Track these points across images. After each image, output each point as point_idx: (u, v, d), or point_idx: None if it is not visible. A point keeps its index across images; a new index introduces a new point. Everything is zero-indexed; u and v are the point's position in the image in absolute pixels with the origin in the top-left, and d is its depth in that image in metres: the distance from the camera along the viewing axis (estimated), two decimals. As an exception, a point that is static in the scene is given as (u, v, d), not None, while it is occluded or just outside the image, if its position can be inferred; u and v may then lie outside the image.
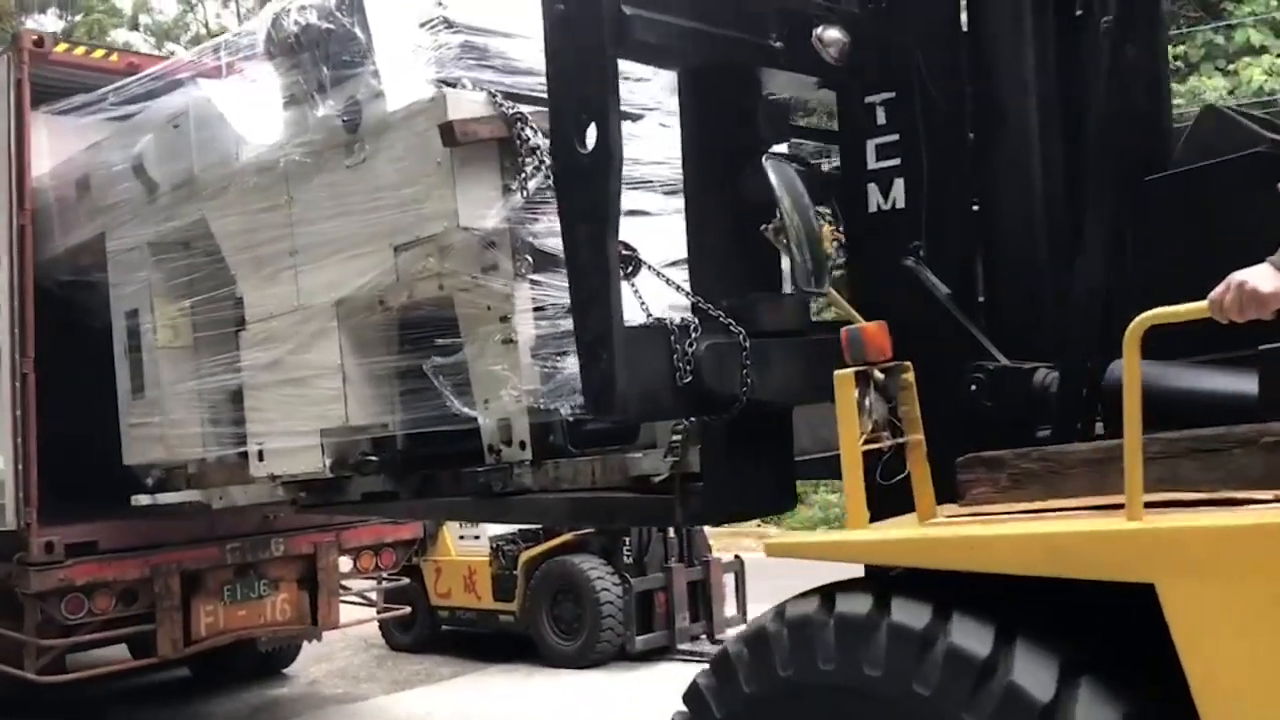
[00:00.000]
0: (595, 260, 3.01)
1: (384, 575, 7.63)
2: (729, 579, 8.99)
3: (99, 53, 6.90)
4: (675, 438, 3.59)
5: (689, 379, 3.14)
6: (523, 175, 4.08)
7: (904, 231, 3.27)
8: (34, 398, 6.09)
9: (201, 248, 5.57)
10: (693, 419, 3.49)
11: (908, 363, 2.75)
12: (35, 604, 6.29)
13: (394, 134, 4.33)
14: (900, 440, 2.68)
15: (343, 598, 7.39)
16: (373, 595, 7.85)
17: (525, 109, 4.14)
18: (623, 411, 3.00)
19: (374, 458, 4.69)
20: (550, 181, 3.90)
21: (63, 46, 6.64)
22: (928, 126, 3.22)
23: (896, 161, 3.31)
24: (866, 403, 2.60)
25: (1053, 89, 3.27)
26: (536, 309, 4.20)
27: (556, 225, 4.25)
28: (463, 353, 4.37)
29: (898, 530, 2.54)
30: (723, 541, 9.71)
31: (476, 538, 9.37)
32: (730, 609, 8.97)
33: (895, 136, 3.30)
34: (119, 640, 7.06)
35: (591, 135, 2.99)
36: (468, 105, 4.14)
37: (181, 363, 5.80)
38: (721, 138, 3.41)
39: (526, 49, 4.51)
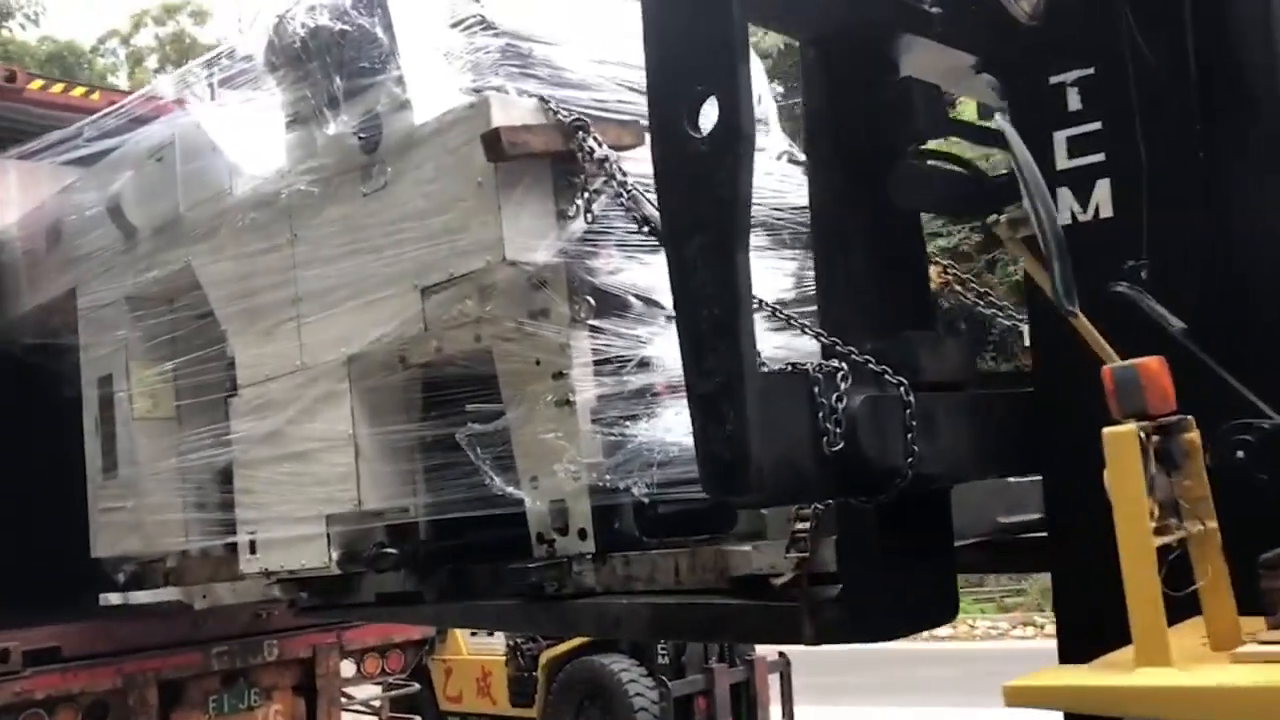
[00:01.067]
0: (717, 280, 2.18)
1: (391, 680, 6.69)
2: (774, 679, 8.08)
3: (79, 90, 6.17)
4: (800, 526, 2.73)
5: (839, 445, 2.29)
6: (585, 196, 3.28)
7: (1114, 247, 2.46)
8: None
9: (187, 301, 4.77)
10: (827, 503, 2.64)
11: (1190, 418, 1.92)
12: None
13: (422, 151, 3.55)
14: (1193, 529, 1.84)
15: (345, 707, 6.53)
16: (378, 703, 6.91)
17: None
18: (758, 490, 2.15)
19: (392, 550, 3.82)
20: (624, 202, 3.12)
21: (37, 84, 5.97)
22: (1146, 111, 2.43)
23: (1099, 158, 2.51)
24: (1149, 474, 1.76)
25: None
26: (598, 363, 3.40)
27: (619, 260, 3.53)
28: (504, 419, 3.53)
29: (1213, 675, 1.68)
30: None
31: (491, 634, 8.43)
32: (775, 713, 8.05)
33: (1096, 125, 2.51)
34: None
35: (709, 115, 2.21)
36: (515, 112, 3.36)
37: (161, 437, 4.96)
38: (859, 129, 2.62)
39: (576, 58, 3.77)
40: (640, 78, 3.89)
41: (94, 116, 5.23)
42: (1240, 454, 2.19)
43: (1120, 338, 2.45)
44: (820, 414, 2.30)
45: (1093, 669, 1.78)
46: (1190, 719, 1.64)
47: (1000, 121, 2.18)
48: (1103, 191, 2.51)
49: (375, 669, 6.55)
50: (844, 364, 2.38)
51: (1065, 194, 2.56)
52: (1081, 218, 2.53)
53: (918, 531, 2.63)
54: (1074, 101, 2.55)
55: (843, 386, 2.34)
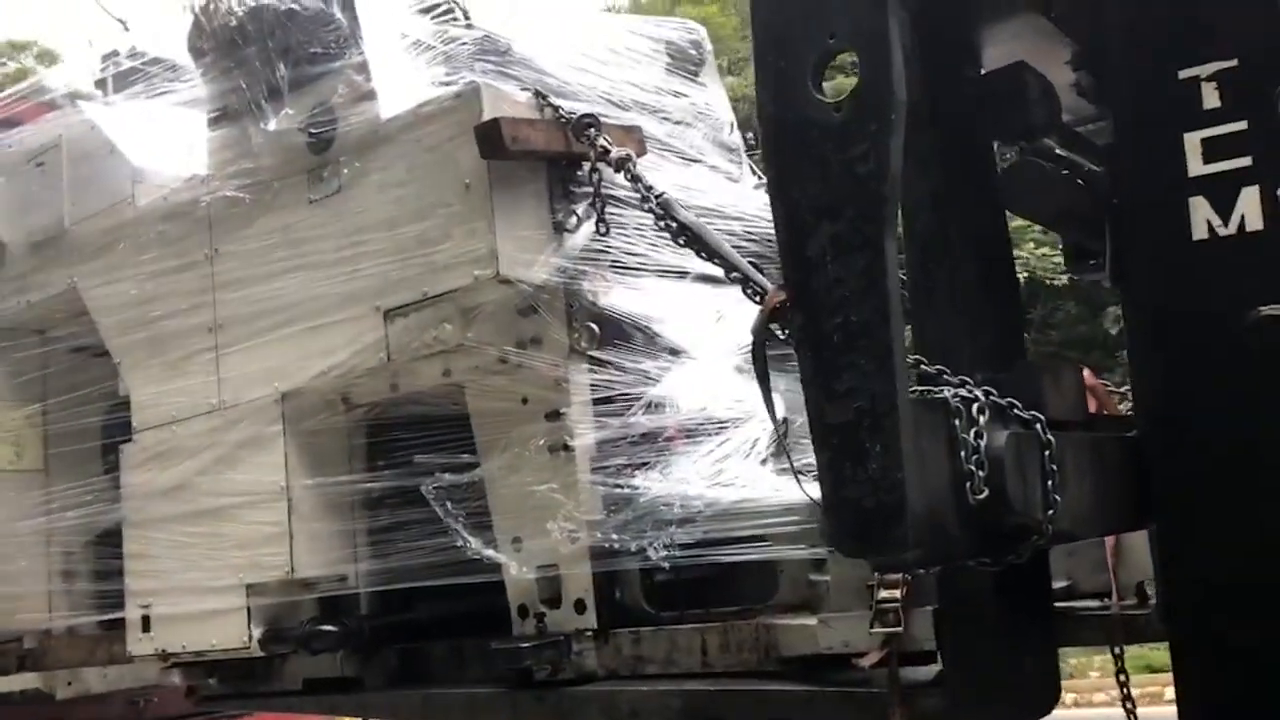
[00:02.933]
0: (856, 278, 1.73)
1: None
2: None
3: None
4: (888, 595, 2.26)
5: (984, 493, 1.84)
6: (598, 202, 2.79)
7: (1262, 265, 2.12)
8: None
9: (65, 330, 4.03)
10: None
11: None
12: None
13: (390, 150, 3.01)
14: None
15: None
16: None
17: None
18: (916, 547, 1.67)
19: (331, 628, 3.16)
20: (654, 209, 2.64)
21: None
22: (1308, 104, 2.10)
23: (1244, 162, 2.17)
24: None
25: None
26: (599, 401, 2.88)
27: (621, 281, 3.05)
28: (479, 469, 2.97)
29: None
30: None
31: None
32: None
33: (1240, 125, 2.17)
34: None
35: (837, 75, 1.77)
36: (509, 106, 2.86)
37: (24, 492, 4.18)
38: (966, 122, 2.22)
39: (561, 64, 3.32)
40: (621, 93, 3.55)
41: (30, 81, 4.45)
42: None
43: (1270, 369, 2.11)
44: (962, 454, 1.85)
45: None
46: None
47: None
48: (1249, 201, 2.16)
49: None
50: (978, 395, 1.95)
51: (1200, 204, 2.21)
52: (1222, 231, 2.18)
53: (1022, 602, 2.21)
54: (1210, 98, 2.21)
55: (981, 421, 1.90)
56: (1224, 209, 2.18)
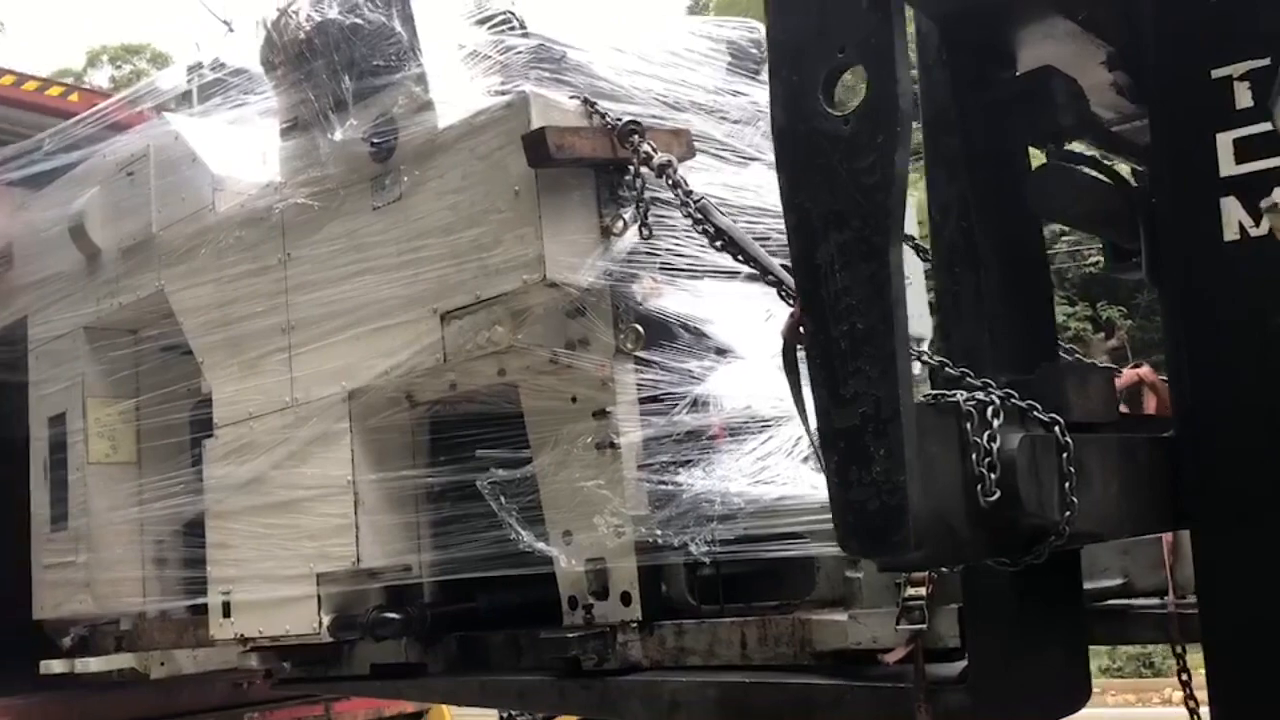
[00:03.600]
0: (862, 285, 1.77)
1: None
2: None
3: (55, 90, 5.45)
4: (914, 592, 2.30)
5: (995, 495, 1.88)
6: (642, 207, 2.87)
7: (1298, 269, 2.10)
8: None
9: (155, 331, 4.27)
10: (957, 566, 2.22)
11: None
12: None
13: (446, 158, 3.13)
14: None
15: None
16: None
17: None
18: (918, 548, 1.72)
19: (395, 615, 3.31)
20: (692, 213, 2.71)
21: (8, 79, 5.26)
22: (1340, 103, 2.08)
23: (1276, 162, 2.15)
24: None
25: None
26: (646, 400, 2.96)
27: (669, 284, 3.12)
28: (532, 465, 3.08)
29: None
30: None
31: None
32: None
33: (1271, 125, 2.15)
34: None
35: (845, 88, 1.82)
36: (557, 114, 2.96)
37: (120, 483, 4.42)
38: (992, 125, 2.24)
39: (614, 69, 3.40)
40: (677, 93, 3.62)
41: (71, 120, 4.68)
42: None
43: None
44: (974, 456, 1.88)
45: None
46: None
47: None
48: (1281, 201, 2.14)
49: None
50: (993, 397, 1.98)
51: (1232, 205, 2.20)
52: (1254, 232, 2.17)
53: (1051, 600, 2.22)
54: (1244, 98, 2.20)
55: (995, 424, 1.93)
56: (1255, 209, 2.17)
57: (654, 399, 2.97)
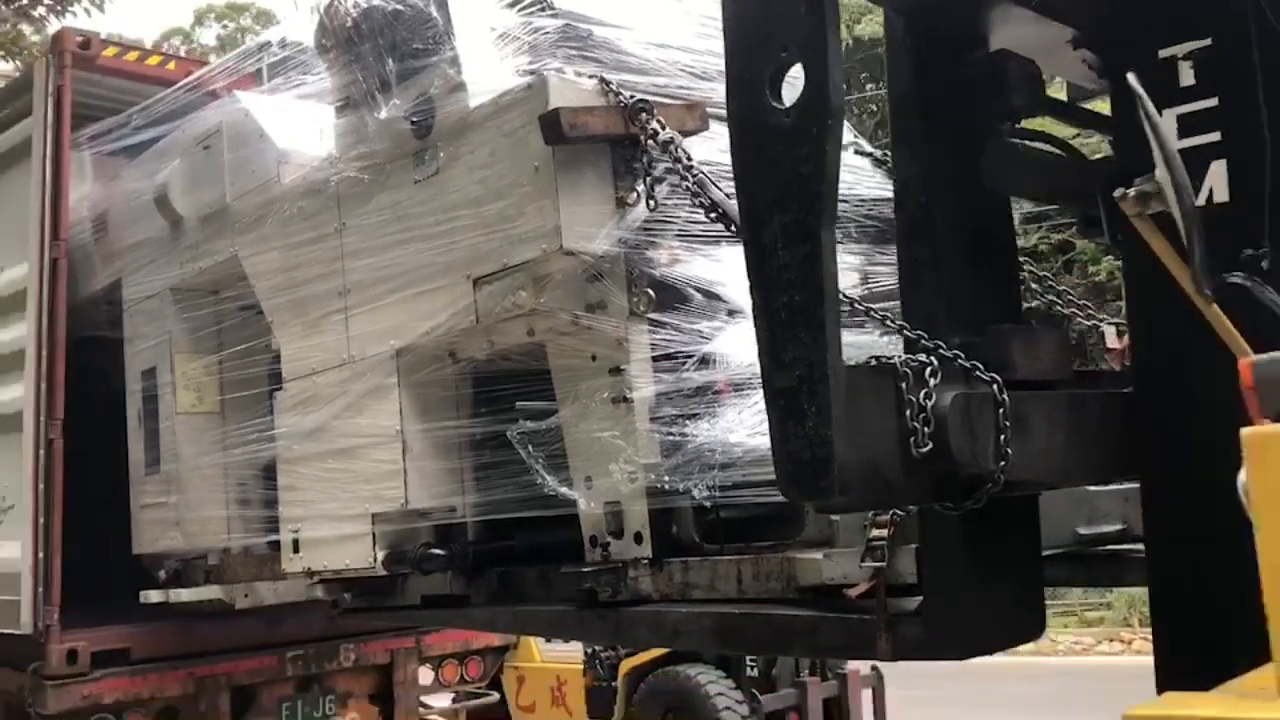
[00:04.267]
0: (799, 263, 2.01)
1: (470, 688, 6.37)
2: (866, 694, 7.54)
3: (154, 59, 5.71)
4: (877, 534, 2.54)
5: (928, 446, 2.10)
6: (647, 181, 3.11)
7: (1230, 235, 2.26)
8: (61, 469, 5.01)
9: (233, 292, 4.66)
10: (910, 508, 2.45)
11: (1339, 418, 1.70)
12: None
13: (477, 135, 3.40)
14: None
15: (422, 716, 6.16)
16: (455, 713, 6.60)
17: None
18: (842, 494, 1.96)
19: (439, 551, 3.66)
20: (690, 186, 2.94)
21: (112, 50, 5.57)
22: (1271, 85, 2.22)
23: (1214, 137, 2.30)
24: (1295, 482, 1.55)
25: None
26: (658, 358, 3.22)
27: (681, 251, 3.36)
28: (557, 416, 3.37)
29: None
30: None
31: (566, 640, 8.05)
32: None
33: (1212, 102, 2.31)
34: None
35: (791, 84, 2.03)
36: (574, 94, 3.20)
37: (205, 431, 4.84)
38: (952, 106, 2.43)
39: (639, 43, 3.61)
40: (704, 63, 3.81)
41: (172, 89, 5.02)
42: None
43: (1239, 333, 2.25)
44: (908, 413, 2.11)
45: (1225, 697, 1.58)
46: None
47: (1132, 80, 1.98)
48: (1218, 174, 2.30)
49: (454, 676, 6.16)
50: (933, 359, 2.20)
51: (1174, 177, 2.36)
52: (1197, 202, 2.33)
53: (1004, 542, 2.44)
54: (1187, 76, 2.35)
55: (931, 383, 2.15)
56: (1196, 182, 2.33)
57: (666, 357, 3.22)
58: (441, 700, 6.50)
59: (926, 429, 2.11)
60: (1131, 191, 1.89)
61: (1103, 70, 2.63)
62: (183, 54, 8.96)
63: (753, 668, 7.25)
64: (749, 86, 2.09)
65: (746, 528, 3.13)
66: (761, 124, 2.06)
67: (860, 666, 7.64)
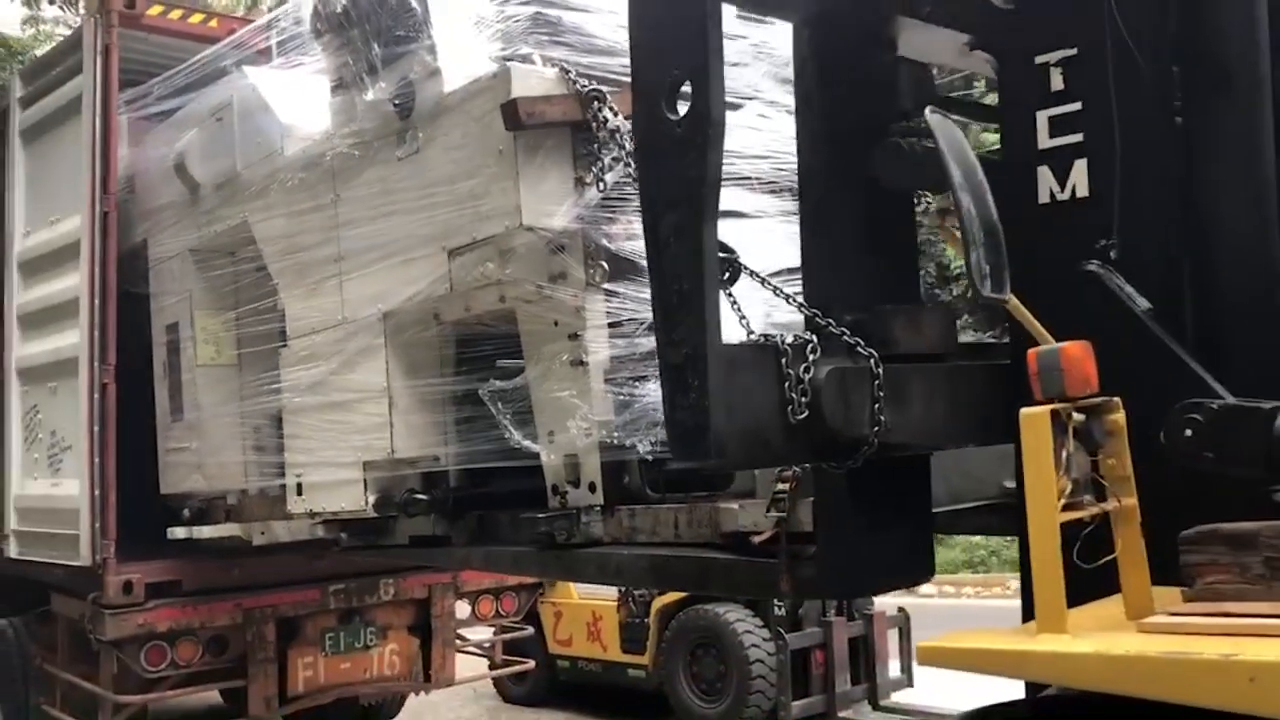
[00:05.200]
0: (685, 257, 2.32)
1: (504, 622, 6.68)
2: (892, 634, 7.73)
3: (196, 17, 5.95)
4: (780, 488, 2.87)
5: (804, 414, 2.42)
6: (599, 165, 3.41)
7: (1088, 227, 2.54)
8: (114, 412, 5.32)
9: (246, 254, 5.01)
10: (806, 466, 2.77)
11: (1116, 399, 2.00)
12: (111, 652, 5.47)
13: (450, 119, 3.71)
14: (1106, 507, 1.93)
15: (459, 648, 6.41)
16: (490, 645, 6.90)
17: (604, 88, 3.47)
18: (718, 455, 2.29)
19: (423, 496, 4.04)
20: (633, 173, 3.24)
21: (156, 9, 5.70)
22: (1123, 92, 2.48)
23: (1078, 138, 2.58)
24: (1064, 454, 1.86)
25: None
26: (612, 325, 3.54)
27: (635, 226, 3.65)
28: (524, 375, 3.70)
29: (1104, 642, 1.78)
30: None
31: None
32: (894, 669, 7.70)
33: (1076, 106, 2.58)
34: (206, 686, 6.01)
35: (686, 98, 2.32)
36: (535, 82, 3.49)
37: (223, 382, 5.24)
38: (849, 108, 2.71)
39: (607, 26, 3.87)
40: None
41: (216, 47, 5.24)
42: (1189, 432, 2.27)
43: (1092, 315, 2.53)
44: (787, 385, 2.42)
45: (1000, 634, 1.90)
46: (1075, 681, 1.75)
47: (928, 113, 2.25)
48: (1080, 171, 2.57)
49: (489, 611, 6.45)
50: (815, 336, 2.50)
51: (1045, 173, 2.64)
52: (1060, 196, 2.61)
53: (893, 495, 2.75)
54: (1057, 82, 2.61)
55: (811, 359, 2.46)
56: (1062, 178, 2.60)
57: (619, 324, 3.53)
58: (478, 633, 6.78)
59: (804, 399, 2.43)
60: (932, 206, 2.17)
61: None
62: (220, 9, 9.21)
63: (780, 607, 7.40)
64: (648, 99, 2.38)
65: (688, 480, 3.46)
66: (657, 132, 2.36)
67: (887, 608, 7.82)
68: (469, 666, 6.81)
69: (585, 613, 8.48)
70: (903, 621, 7.82)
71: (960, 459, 3.10)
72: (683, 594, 7.69)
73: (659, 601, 7.96)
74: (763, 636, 7.37)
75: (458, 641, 6.41)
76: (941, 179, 2.88)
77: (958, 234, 2.27)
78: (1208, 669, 1.60)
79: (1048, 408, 1.88)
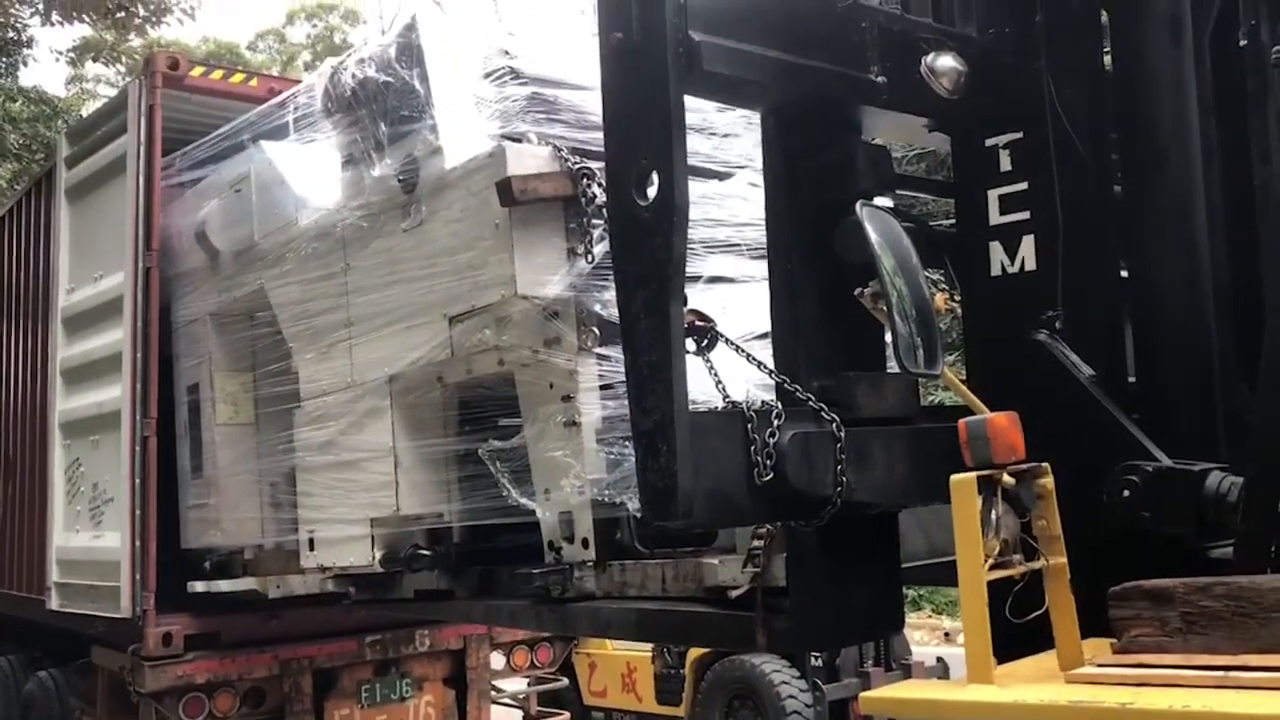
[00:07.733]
0: (654, 331, 2.50)
1: (539, 674, 6.75)
2: None
3: (238, 76, 6.23)
4: (756, 544, 3.03)
5: (769, 476, 2.59)
6: (589, 238, 3.61)
7: (1035, 299, 2.71)
8: (155, 464, 5.52)
9: (263, 318, 5.23)
10: (777, 524, 2.93)
11: (1045, 465, 2.16)
12: (150, 704, 5.59)
13: (451, 194, 3.93)
14: (1035, 565, 2.08)
15: (494, 700, 6.51)
16: (525, 697, 6.98)
17: (594, 165, 3.68)
18: (685, 515, 2.46)
19: (426, 551, 4.22)
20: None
21: (198, 70, 6.06)
22: (1064, 173, 2.66)
23: (1025, 215, 2.76)
24: (993, 516, 2.02)
25: (1214, 130, 2.70)
26: (603, 387, 3.72)
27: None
28: (521, 435, 3.89)
29: (1034, 691, 1.93)
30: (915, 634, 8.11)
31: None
32: None
33: (1023, 185, 2.77)
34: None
35: (653, 185, 2.52)
36: (529, 160, 3.71)
37: (240, 441, 5.45)
38: (812, 188, 2.89)
39: (599, 101, 4.10)
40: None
41: (235, 122, 5.42)
42: (1126, 493, 2.42)
43: (1039, 382, 2.70)
44: (752, 449, 2.59)
45: (940, 685, 2.05)
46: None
47: (858, 209, 2.43)
48: (1028, 246, 2.75)
49: (524, 662, 6.52)
50: (780, 402, 2.67)
51: (996, 248, 2.82)
52: (1010, 270, 2.78)
53: (862, 550, 2.90)
54: (1005, 163, 2.80)
55: (776, 424, 2.63)
56: (1011, 252, 2.78)
57: (610, 386, 3.71)
58: (513, 685, 6.85)
59: (768, 462, 2.59)
60: (867, 291, 2.35)
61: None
62: (275, 52, 9.46)
63: (817, 658, 7.31)
64: (618, 185, 2.58)
65: (677, 536, 3.62)
66: (628, 216, 2.55)
67: (925, 658, 7.75)
68: (504, 718, 6.87)
69: (620, 664, 8.44)
70: (941, 671, 7.65)
71: (939, 513, 3.23)
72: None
73: (694, 652, 7.88)
74: (800, 688, 7.29)
75: (493, 693, 6.48)
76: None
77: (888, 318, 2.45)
78: (1108, 716, 1.74)
79: (974, 474, 2.04)
